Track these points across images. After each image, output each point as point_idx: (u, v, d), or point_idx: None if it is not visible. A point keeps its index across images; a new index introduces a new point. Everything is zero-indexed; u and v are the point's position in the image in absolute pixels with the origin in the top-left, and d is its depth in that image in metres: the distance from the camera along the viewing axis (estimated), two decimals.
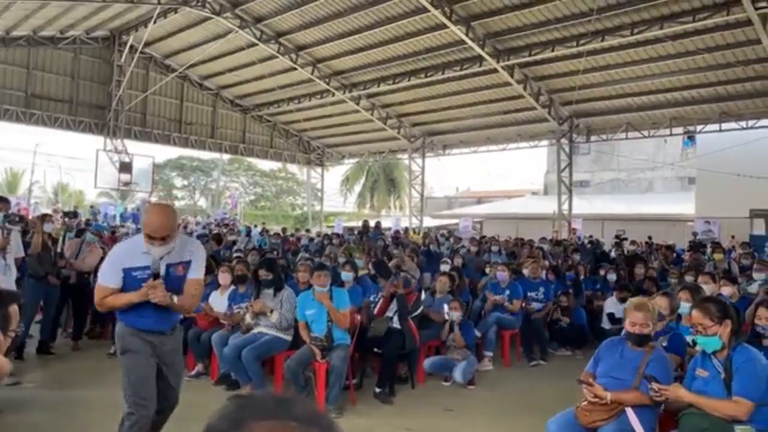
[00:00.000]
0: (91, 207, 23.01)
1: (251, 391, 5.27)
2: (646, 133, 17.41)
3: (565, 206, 18.29)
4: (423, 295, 6.85)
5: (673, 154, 28.28)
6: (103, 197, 33.20)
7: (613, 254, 12.65)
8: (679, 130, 17.31)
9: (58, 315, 7.14)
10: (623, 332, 3.61)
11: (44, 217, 7.41)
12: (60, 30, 18.21)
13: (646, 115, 16.77)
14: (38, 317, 7.03)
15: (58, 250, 7.05)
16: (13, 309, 2.05)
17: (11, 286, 5.25)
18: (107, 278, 3.28)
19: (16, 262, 5.70)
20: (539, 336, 7.53)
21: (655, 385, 3.08)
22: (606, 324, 7.55)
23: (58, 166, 35.02)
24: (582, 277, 9.68)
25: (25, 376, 5.66)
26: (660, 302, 4.12)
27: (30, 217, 11.08)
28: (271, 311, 5.45)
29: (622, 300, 7.51)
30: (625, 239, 13.51)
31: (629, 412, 3.19)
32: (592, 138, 18.72)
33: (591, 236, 16.14)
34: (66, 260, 7.04)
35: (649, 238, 14.73)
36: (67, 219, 9.34)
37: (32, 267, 6.48)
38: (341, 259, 8.49)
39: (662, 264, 10.79)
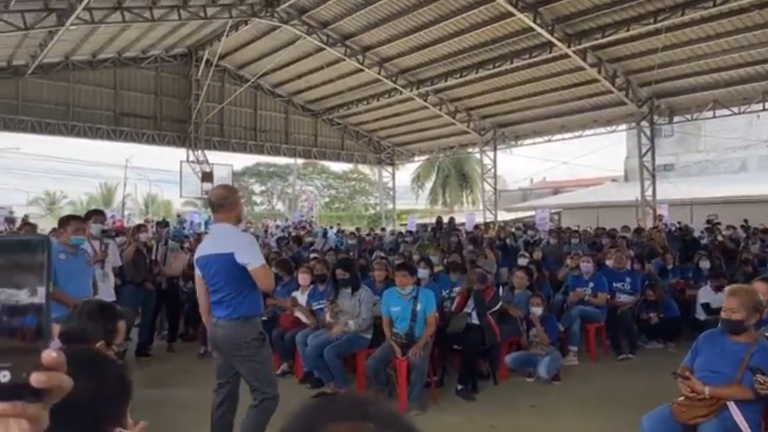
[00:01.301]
0: (178, 216, 24.24)
1: (334, 389, 5.38)
2: (736, 109, 16.29)
3: (649, 192, 17.42)
4: (501, 291, 6.74)
5: (767, 130, 26.31)
6: (188, 206, 34.95)
7: (705, 240, 11.92)
8: None
9: (154, 319, 7.59)
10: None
11: (139, 228, 7.92)
12: (142, 50, 19.30)
13: (735, 91, 15.66)
14: (137, 321, 7.48)
15: (153, 257, 7.49)
16: (122, 324, 2.17)
17: (110, 293, 5.61)
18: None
19: (114, 270, 6.10)
20: (627, 329, 7.19)
21: (761, 377, 2.86)
22: (701, 315, 7.12)
23: (147, 179, 37.24)
24: (671, 265, 9.19)
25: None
26: (760, 287, 3.82)
27: (124, 227, 11.84)
28: (346, 323, 5.50)
29: (718, 288, 7.05)
30: (718, 224, 12.69)
31: (732, 407, 2.99)
32: (676, 119, 17.73)
33: (679, 222, 15.29)
34: (159, 267, 7.47)
35: (745, 221, 13.78)
36: (159, 228, 9.91)
37: (131, 274, 6.94)
38: (416, 257, 8.48)
39: (762, 249, 10.05)
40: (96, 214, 5.95)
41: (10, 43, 15.23)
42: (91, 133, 19.26)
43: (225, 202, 3.63)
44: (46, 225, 18.51)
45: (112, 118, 19.63)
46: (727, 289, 3.31)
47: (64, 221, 4.94)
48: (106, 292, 5.43)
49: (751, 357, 3.05)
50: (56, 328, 2.16)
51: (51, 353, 0.66)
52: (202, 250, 3.76)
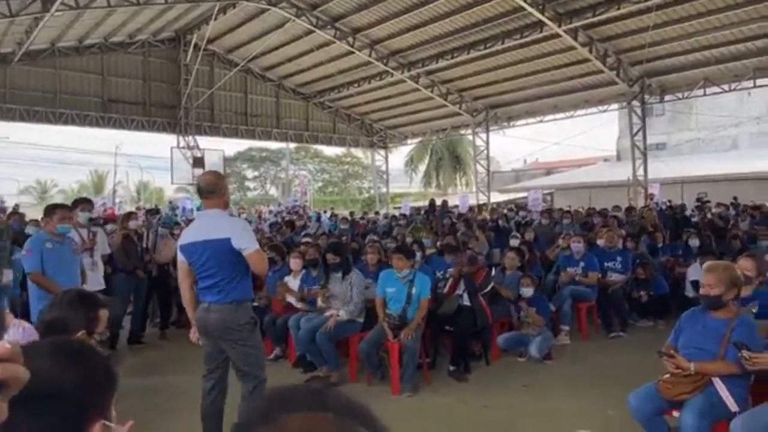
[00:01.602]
0: (170, 203, 24.11)
1: (327, 373, 5.41)
2: (726, 87, 16.28)
3: (640, 171, 17.47)
4: (493, 272, 6.76)
5: (758, 107, 26.35)
6: (181, 192, 34.79)
7: (695, 218, 11.98)
8: (764, 81, 16.01)
9: (146, 306, 7.57)
10: None
11: (129, 216, 7.86)
12: (129, 35, 19.05)
13: (725, 68, 15.64)
14: (129, 309, 7.47)
15: (144, 245, 7.45)
16: (103, 313, 2.16)
17: (99, 281, 5.61)
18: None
19: (103, 258, 6.08)
20: (618, 307, 7.25)
21: (746, 353, 2.89)
22: (690, 292, 7.16)
23: (138, 166, 37.01)
24: (661, 244, 9.24)
25: (118, 365, 6.04)
26: (744, 264, 3.85)
27: (115, 215, 11.77)
28: (338, 314, 5.51)
29: None
30: (708, 202, 12.75)
31: (717, 382, 3.03)
32: (667, 97, 17.71)
33: (670, 201, 15.35)
34: (150, 254, 7.44)
35: (735, 198, 13.85)
36: (148, 216, 9.83)
37: (122, 262, 6.91)
38: (408, 240, 8.49)
39: (751, 225, 10.11)
40: (83, 202, 5.92)
41: None
42: (80, 120, 19.08)
43: (215, 188, 3.63)
44: (37, 214, 18.39)
45: (101, 104, 19.44)
46: (704, 265, 3.35)
47: (50, 210, 4.91)
48: (95, 281, 5.42)
49: (732, 332, 3.09)
50: (10, 317, 2.15)
51: (4, 345, 0.65)
52: (188, 237, 3.72)
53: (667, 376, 3.19)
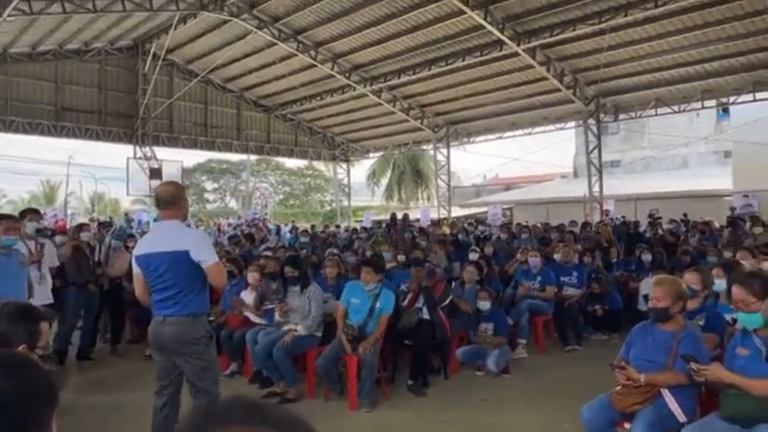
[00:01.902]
0: (126, 214, 23.49)
1: (284, 389, 5.31)
2: (676, 108, 16.92)
3: (596, 188, 17.95)
4: (453, 285, 6.80)
5: (706, 127, 27.51)
6: (137, 204, 33.93)
7: (648, 234, 12.35)
8: (712, 102, 16.75)
9: (96, 321, 7.31)
10: None
11: (80, 227, 7.59)
12: (85, 42, 18.59)
13: (676, 90, 16.28)
14: (79, 324, 7.19)
15: (96, 258, 7.19)
16: (44, 326, 2.07)
17: (47, 295, 5.39)
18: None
19: (51, 271, 5.85)
20: (574, 321, 7.39)
21: (694, 365, 2.97)
22: (642, 306, 7.35)
23: (92, 176, 35.95)
24: (615, 259, 9.48)
25: (66, 382, 5.81)
26: (689, 278, 3.99)
27: (66, 227, 11.37)
28: (295, 330, 5.43)
29: None
30: (659, 218, 13.17)
31: (666, 393, 3.10)
32: (621, 116, 18.29)
33: (623, 217, 15.80)
34: (102, 268, 7.18)
35: (685, 215, 14.35)
36: (101, 228, 9.54)
37: (72, 275, 6.65)
38: (369, 253, 8.47)
39: (700, 241, 10.49)
40: (31, 213, 5.70)
41: None
42: (32, 128, 18.46)
43: (174, 199, 3.58)
44: None
45: (54, 113, 18.85)
46: (653, 279, 3.47)
47: None
48: (43, 294, 5.21)
49: (678, 344, 3.19)
50: None
51: None
52: (144, 248, 3.63)
53: (619, 387, 3.25)
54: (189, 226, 4.30)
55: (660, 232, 12.10)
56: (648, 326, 3.47)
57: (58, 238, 7.44)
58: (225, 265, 6.80)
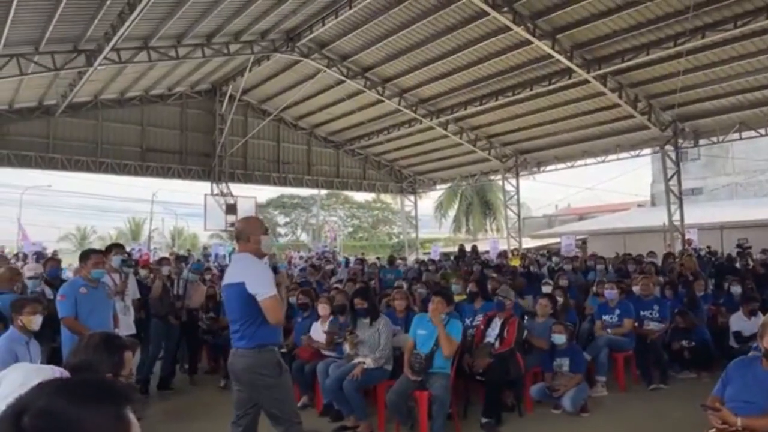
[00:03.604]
0: (204, 248, 24.50)
1: (355, 423, 5.27)
2: (763, 131, 15.96)
3: (676, 216, 17.07)
4: (525, 319, 6.59)
5: None
6: (214, 239, 35.35)
7: (737, 265, 11.55)
8: None
9: (176, 352, 7.58)
10: (753, 349, 3.24)
11: (161, 261, 7.99)
12: (168, 87, 19.83)
13: (761, 112, 15.37)
14: (160, 354, 7.48)
15: (175, 291, 7.52)
16: (128, 355, 2.14)
17: (130, 326, 5.65)
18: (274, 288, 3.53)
19: (134, 303, 6.14)
20: (657, 357, 6.94)
21: None
22: (733, 343, 6.85)
23: (173, 212, 37.89)
24: (702, 292, 8.90)
25: (148, 410, 6.02)
26: None
27: (150, 261, 11.96)
28: (364, 363, 5.41)
29: (751, 313, 6.81)
30: (749, 248, 12.31)
31: None
32: (701, 142, 17.43)
33: (709, 247, 14.90)
34: (181, 300, 7.49)
35: None
36: (177, 262, 9.96)
37: (155, 308, 6.99)
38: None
39: None
40: (116, 247, 6.03)
41: (41, 83, 15.78)
42: (119, 169, 19.71)
43: (241, 235, 3.73)
44: (75, 260, 18.85)
45: (139, 153, 20.09)
46: (764, 319, 3.13)
47: (85, 256, 5.01)
48: (126, 325, 5.46)
49: None
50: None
51: None
52: (225, 279, 3.89)
53: (714, 431, 3.00)
54: (273, 257, 4.41)
55: (750, 263, 11.29)
56: (749, 363, 3.18)
57: (141, 272, 7.84)
58: (299, 297, 6.97)
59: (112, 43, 12.33)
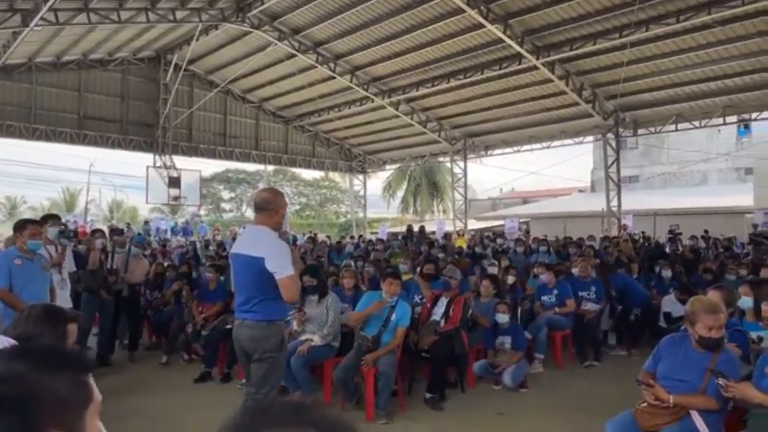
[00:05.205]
0: (144, 222, 23.75)
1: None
2: (697, 123, 16.75)
3: (614, 203, 17.79)
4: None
5: (727, 144, 27.21)
6: (155, 212, 34.30)
7: (667, 250, 12.18)
8: (733, 118, 16.58)
9: (115, 328, 7.35)
10: (681, 330, 3.43)
11: (95, 233, 7.64)
12: (108, 52, 18.91)
13: (696, 105, 16.13)
14: (94, 330, 7.24)
15: (108, 265, 7.24)
16: (71, 328, 2.08)
17: (67, 299, 5.44)
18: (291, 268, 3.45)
19: (71, 276, 5.90)
20: (592, 336, 7.29)
21: (722, 381, 2.90)
22: (663, 323, 7.24)
23: (112, 184, 36.46)
24: (635, 275, 9.34)
25: None
26: (713, 297, 3.90)
27: (86, 234, 11.49)
28: (312, 340, 5.43)
29: (683, 302, 7.19)
30: (680, 234, 12.99)
31: (694, 414, 3.03)
32: (640, 131, 18.15)
33: (643, 232, 15.61)
34: (117, 275, 7.22)
35: (706, 231, 14.16)
36: (112, 234, 9.53)
37: (86, 281, 6.70)
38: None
39: (721, 259, 10.31)
40: (52, 218, 5.77)
41: None
42: (54, 136, 18.75)
43: (268, 206, 3.60)
44: (5, 230, 17.92)
45: (76, 121, 19.15)
46: (702, 304, 3.21)
47: (20, 226, 4.78)
48: (63, 299, 5.26)
49: (715, 366, 3.08)
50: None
51: None
52: (236, 248, 3.76)
53: (645, 405, 3.18)
54: (285, 234, 4.35)
55: (680, 248, 11.93)
56: (679, 340, 3.34)
57: (80, 246, 7.53)
58: None
59: (49, 3, 11.63)
